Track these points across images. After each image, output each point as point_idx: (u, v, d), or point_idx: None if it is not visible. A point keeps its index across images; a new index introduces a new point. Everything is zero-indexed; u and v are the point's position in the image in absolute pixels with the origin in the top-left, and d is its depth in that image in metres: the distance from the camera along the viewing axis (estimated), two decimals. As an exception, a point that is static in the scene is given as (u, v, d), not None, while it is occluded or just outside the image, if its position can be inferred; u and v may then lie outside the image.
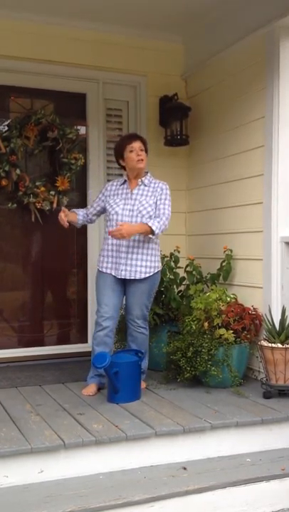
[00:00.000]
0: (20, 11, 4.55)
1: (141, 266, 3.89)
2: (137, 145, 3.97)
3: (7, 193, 4.71)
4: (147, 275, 3.90)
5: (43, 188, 4.75)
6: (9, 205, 4.73)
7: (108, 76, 5.01)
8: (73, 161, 4.83)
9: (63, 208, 4.12)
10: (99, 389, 3.97)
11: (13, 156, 4.62)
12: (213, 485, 3.01)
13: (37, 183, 4.75)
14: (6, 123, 4.79)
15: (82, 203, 5.04)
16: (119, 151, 4.05)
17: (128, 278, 3.91)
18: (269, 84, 4.17)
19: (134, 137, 4.06)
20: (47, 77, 4.81)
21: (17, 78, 4.75)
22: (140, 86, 5.13)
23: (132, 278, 3.91)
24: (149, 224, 3.80)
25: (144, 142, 4.04)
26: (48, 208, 4.78)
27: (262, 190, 4.26)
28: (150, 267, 3.92)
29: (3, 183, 4.63)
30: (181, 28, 4.95)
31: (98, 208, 4.13)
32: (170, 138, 5.07)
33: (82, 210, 4.20)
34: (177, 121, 5.02)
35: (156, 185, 4.01)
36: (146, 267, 3.90)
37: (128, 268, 3.90)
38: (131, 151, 3.97)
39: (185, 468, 3.16)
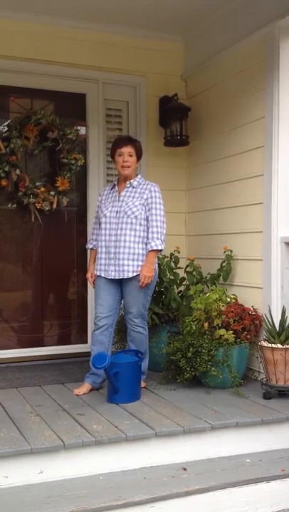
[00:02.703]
0: (20, 11, 4.55)
1: (128, 265, 3.89)
2: (126, 150, 3.95)
3: (7, 193, 4.71)
4: (135, 274, 3.90)
5: (42, 189, 4.75)
6: (9, 205, 4.74)
7: (108, 76, 5.01)
8: (73, 162, 4.84)
9: (89, 275, 4.15)
10: (92, 389, 3.97)
11: (12, 157, 4.62)
12: (214, 485, 3.01)
13: (37, 184, 4.75)
14: (6, 123, 4.79)
15: (82, 203, 5.06)
16: (111, 153, 4.09)
17: (117, 278, 3.93)
18: (269, 85, 4.17)
19: (125, 141, 4.02)
20: (47, 77, 4.81)
21: (17, 78, 4.75)
22: (140, 86, 5.13)
23: (121, 278, 3.92)
24: (153, 249, 3.86)
25: (135, 147, 3.98)
26: (47, 209, 4.79)
27: (262, 191, 4.26)
28: (139, 266, 3.90)
29: (3, 183, 4.63)
30: (181, 28, 4.95)
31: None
32: (170, 138, 5.07)
33: (94, 235, 4.15)
34: (177, 122, 5.02)
35: (145, 186, 3.98)
36: (133, 266, 3.90)
37: (117, 268, 3.92)
38: (119, 155, 3.97)
39: (185, 469, 3.16)
